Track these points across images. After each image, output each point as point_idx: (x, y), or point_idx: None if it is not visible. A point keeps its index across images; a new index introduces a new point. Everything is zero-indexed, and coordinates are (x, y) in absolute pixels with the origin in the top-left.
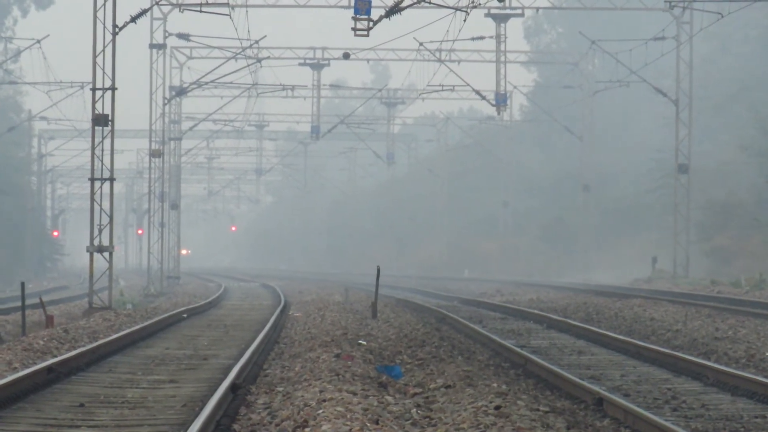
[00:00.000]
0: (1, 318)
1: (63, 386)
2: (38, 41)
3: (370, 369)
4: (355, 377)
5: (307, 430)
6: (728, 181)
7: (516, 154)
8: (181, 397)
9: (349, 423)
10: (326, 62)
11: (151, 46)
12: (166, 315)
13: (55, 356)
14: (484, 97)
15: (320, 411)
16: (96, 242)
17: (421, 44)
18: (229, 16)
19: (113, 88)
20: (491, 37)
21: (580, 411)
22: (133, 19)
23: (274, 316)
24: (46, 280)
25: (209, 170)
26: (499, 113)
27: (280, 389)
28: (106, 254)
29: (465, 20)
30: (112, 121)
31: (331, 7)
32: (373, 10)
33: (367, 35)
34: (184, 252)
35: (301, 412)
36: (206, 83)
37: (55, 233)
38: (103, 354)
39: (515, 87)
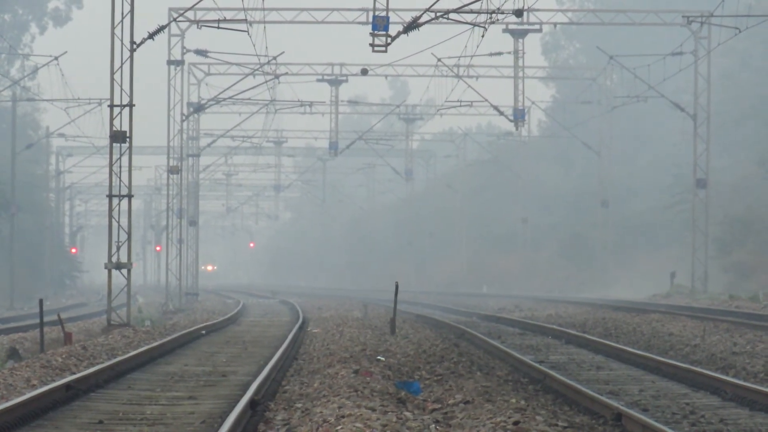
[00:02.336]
0: (19, 335)
1: (82, 403)
2: (56, 58)
3: (389, 385)
4: (373, 393)
5: None
6: (747, 196)
7: (534, 170)
8: (200, 414)
9: None
10: (344, 78)
11: (169, 62)
12: (184, 332)
13: (74, 373)
14: (502, 113)
15: (339, 427)
16: (114, 259)
17: (439, 60)
18: (247, 33)
19: (131, 105)
20: (509, 52)
21: (599, 426)
22: (151, 36)
23: (292, 333)
24: (64, 297)
25: (227, 186)
26: (517, 129)
27: (299, 405)
28: (125, 271)
29: (483, 36)
30: (130, 137)
31: (349, 23)
32: (391, 26)
33: (386, 51)
34: (209, 268)
35: (320, 429)
36: (224, 99)
37: (74, 250)
38: (121, 371)
39: (533, 102)
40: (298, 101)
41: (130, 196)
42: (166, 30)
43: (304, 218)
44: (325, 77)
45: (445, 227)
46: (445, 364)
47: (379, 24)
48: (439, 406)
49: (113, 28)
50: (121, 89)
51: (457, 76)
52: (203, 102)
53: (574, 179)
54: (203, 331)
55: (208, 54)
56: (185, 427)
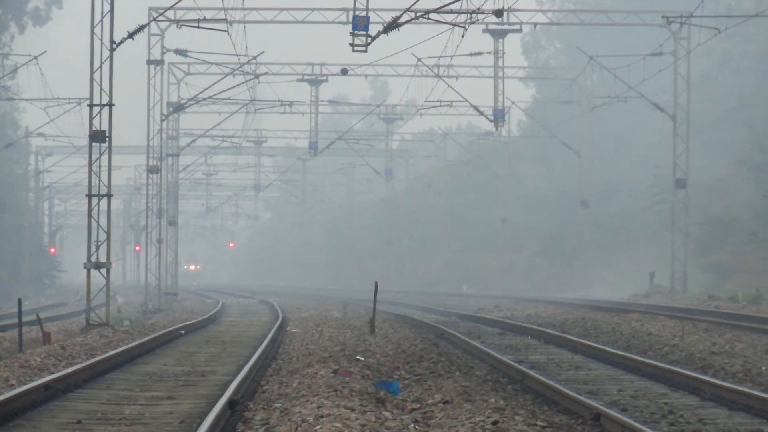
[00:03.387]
0: None
1: (60, 403)
2: (35, 57)
3: (368, 385)
4: (352, 393)
5: None
6: (726, 196)
7: (514, 170)
8: (179, 414)
9: None
10: (324, 78)
11: (149, 62)
12: (163, 331)
13: (53, 373)
14: (482, 113)
15: (318, 427)
16: (93, 259)
17: (419, 60)
18: (227, 32)
19: (110, 105)
20: (489, 52)
21: (578, 426)
22: (131, 35)
23: (272, 333)
24: (43, 296)
25: (207, 186)
26: (497, 129)
27: (278, 405)
28: (104, 271)
29: (463, 36)
30: (110, 137)
31: (329, 23)
32: (371, 25)
33: (366, 51)
34: (193, 267)
35: (299, 428)
36: (204, 99)
37: (53, 250)
38: (100, 371)
39: (513, 103)
40: (278, 101)
41: (109, 196)
42: (145, 29)
43: (284, 218)
44: (305, 77)
45: (425, 227)
46: (425, 363)
47: (359, 24)
48: (418, 405)
49: (93, 27)
50: (101, 89)
51: (437, 76)
52: (183, 102)
53: (554, 179)
54: (182, 331)
55: (188, 54)
56: (164, 427)
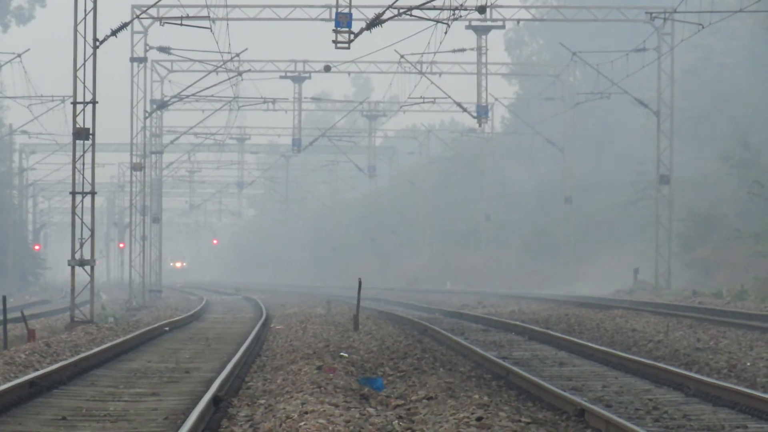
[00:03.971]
0: None
1: (45, 400)
2: (19, 55)
3: (352, 381)
4: (337, 389)
5: None
6: (710, 192)
7: (498, 167)
8: (163, 410)
9: None
10: (307, 75)
11: (132, 59)
12: (148, 328)
13: (37, 370)
14: (465, 110)
15: (302, 423)
16: (77, 256)
17: (402, 56)
18: (209, 30)
19: (94, 102)
20: (472, 49)
21: (562, 422)
22: (114, 33)
23: (255, 329)
24: (27, 293)
25: (191, 184)
26: (480, 125)
27: (262, 402)
28: (88, 268)
29: (446, 32)
30: (93, 134)
31: (312, 20)
32: (354, 22)
33: (348, 48)
34: (179, 265)
35: (284, 425)
36: (187, 96)
37: (37, 247)
38: (85, 367)
39: (496, 99)
40: (261, 98)
41: (93, 193)
42: (128, 27)
43: (268, 215)
44: (288, 74)
45: (409, 224)
46: (409, 360)
47: (342, 21)
48: (403, 402)
49: (76, 25)
50: (84, 86)
51: (420, 72)
52: (166, 99)
53: (537, 176)
54: (167, 328)
55: (171, 51)
56: (148, 424)
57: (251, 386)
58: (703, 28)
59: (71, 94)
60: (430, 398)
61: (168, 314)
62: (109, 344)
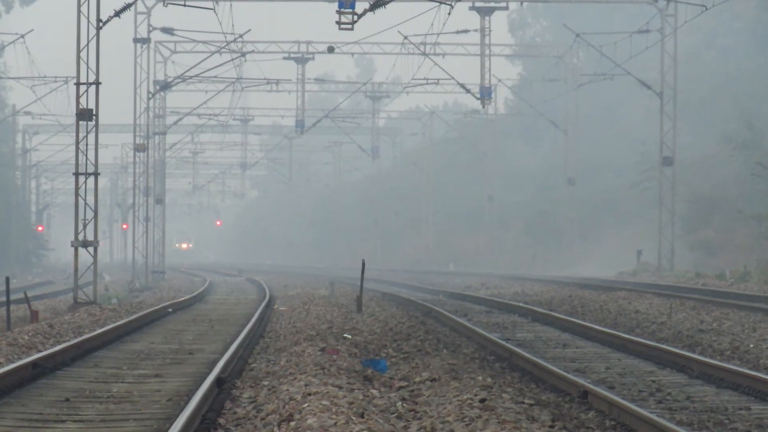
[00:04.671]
0: None
1: (48, 381)
2: (22, 36)
3: (356, 363)
4: (340, 371)
5: (292, 423)
6: (713, 173)
7: (501, 148)
8: (167, 392)
9: (334, 417)
10: (311, 56)
11: (136, 40)
12: (151, 310)
13: (40, 351)
14: (468, 91)
15: (305, 405)
16: (81, 237)
17: (405, 38)
18: (213, 10)
19: (97, 83)
20: (476, 30)
21: (565, 404)
22: (117, 14)
23: (259, 311)
24: (30, 275)
25: (194, 165)
26: (483, 107)
27: (266, 383)
28: (91, 249)
29: (449, 13)
30: (97, 115)
31: (315, 0)
32: (357, 3)
33: (352, 29)
34: (185, 246)
35: (287, 406)
36: (190, 77)
37: (40, 228)
38: (88, 349)
39: (500, 80)
40: (265, 79)
41: (96, 174)
42: (132, 8)
43: (271, 196)
44: (292, 55)
45: (412, 205)
46: (412, 342)
47: (346, 2)
48: (406, 383)
49: (79, 5)
50: (88, 67)
51: (424, 53)
52: (170, 80)
53: (540, 157)
54: (170, 309)
55: (175, 32)
56: (152, 405)
57: (254, 368)
58: (706, 9)
59: (75, 75)
60: (433, 380)
61: (171, 295)
62: (112, 325)
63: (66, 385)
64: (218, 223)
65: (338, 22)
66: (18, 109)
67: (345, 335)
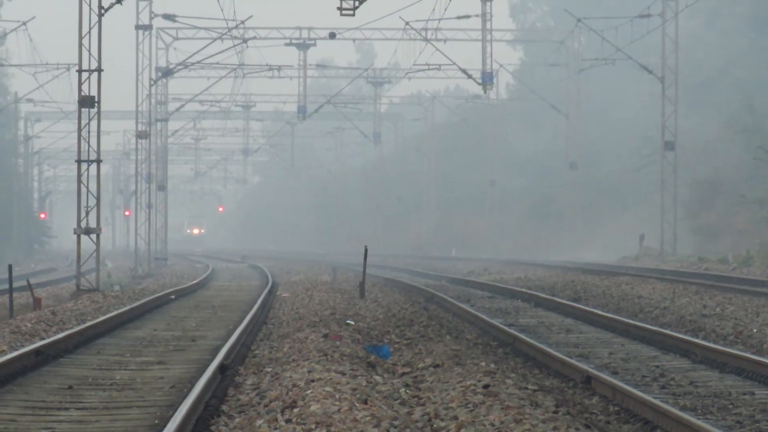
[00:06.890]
0: None
1: (51, 369)
2: (24, 23)
3: (359, 349)
4: (343, 357)
5: (295, 410)
6: (715, 158)
7: (503, 133)
8: (170, 379)
9: (337, 403)
10: (312, 42)
11: (137, 27)
12: (153, 296)
13: (43, 338)
14: (470, 76)
15: (309, 391)
16: (83, 224)
17: (407, 23)
18: None
19: (99, 70)
20: (477, 15)
21: (569, 389)
22: (119, 0)
23: (261, 297)
24: (33, 262)
25: (196, 151)
26: (485, 92)
27: (269, 370)
28: (94, 236)
29: None
30: (99, 102)
31: None
32: None
33: (353, 14)
34: (196, 231)
35: (290, 393)
36: (192, 64)
37: (42, 215)
38: (91, 336)
39: (501, 65)
40: (267, 65)
41: (98, 161)
42: None
43: (273, 182)
44: (293, 41)
45: (414, 190)
46: (415, 327)
47: None
48: (409, 369)
49: None
50: (90, 54)
51: (425, 39)
52: (171, 67)
53: (542, 142)
54: (172, 296)
55: (177, 18)
56: (155, 392)
57: (258, 354)
58: None
59: (76, 61)
60: (436, 366)
61: (174, 282)
62: (115, 312)
63: (69, 373)
64: (221, 209)
65: (340, 8)
66: (20, 97)
67: (348, 321)
